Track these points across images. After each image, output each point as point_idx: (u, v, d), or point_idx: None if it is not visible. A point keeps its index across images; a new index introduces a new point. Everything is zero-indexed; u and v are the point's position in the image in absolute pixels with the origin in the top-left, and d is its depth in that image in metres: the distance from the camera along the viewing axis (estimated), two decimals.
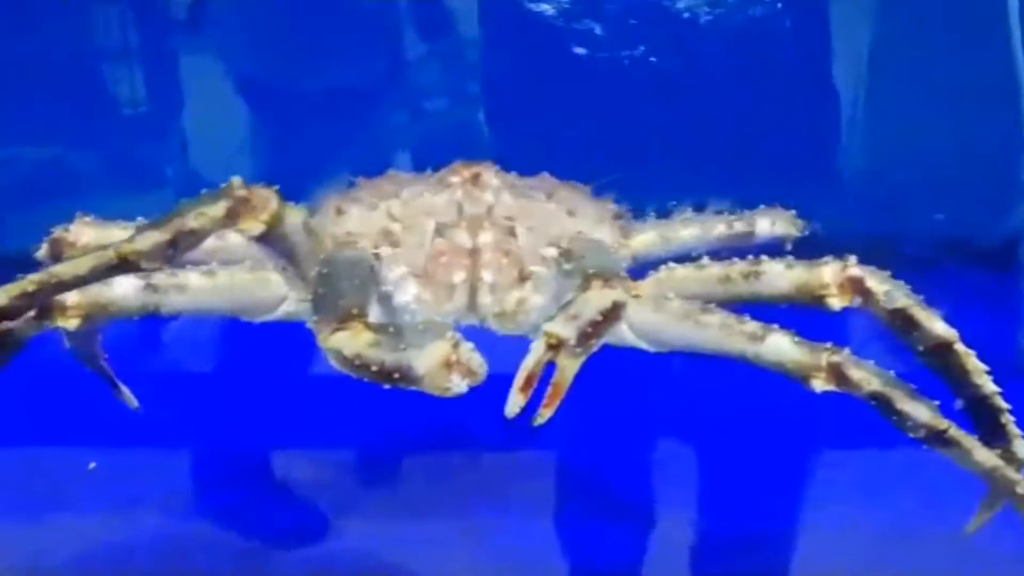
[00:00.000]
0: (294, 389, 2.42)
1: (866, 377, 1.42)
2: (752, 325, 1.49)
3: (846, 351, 1.44)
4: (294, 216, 1.49)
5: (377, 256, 1.54)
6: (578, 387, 2.23)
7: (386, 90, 2.68)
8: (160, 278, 1.58)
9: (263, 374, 2.44)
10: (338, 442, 2.21)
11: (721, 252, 1.77)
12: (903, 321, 1.58)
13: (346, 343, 1.34)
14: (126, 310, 1.59)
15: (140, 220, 1.51)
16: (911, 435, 1.42)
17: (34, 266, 1.53)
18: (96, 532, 1.95)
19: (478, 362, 1.37)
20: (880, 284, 1.58)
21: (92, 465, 2.14)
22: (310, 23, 2.60)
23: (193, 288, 1.60)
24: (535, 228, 1.62)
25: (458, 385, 1.35)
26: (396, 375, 1.33)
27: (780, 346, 1.47)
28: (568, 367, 1.35)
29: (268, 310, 1.67)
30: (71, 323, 1.56)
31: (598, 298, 1.37)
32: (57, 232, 1.79)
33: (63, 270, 1.39)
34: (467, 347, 1.35)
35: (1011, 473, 1.48)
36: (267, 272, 1.64)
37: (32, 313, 1.54)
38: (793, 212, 1.93)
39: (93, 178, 2.76)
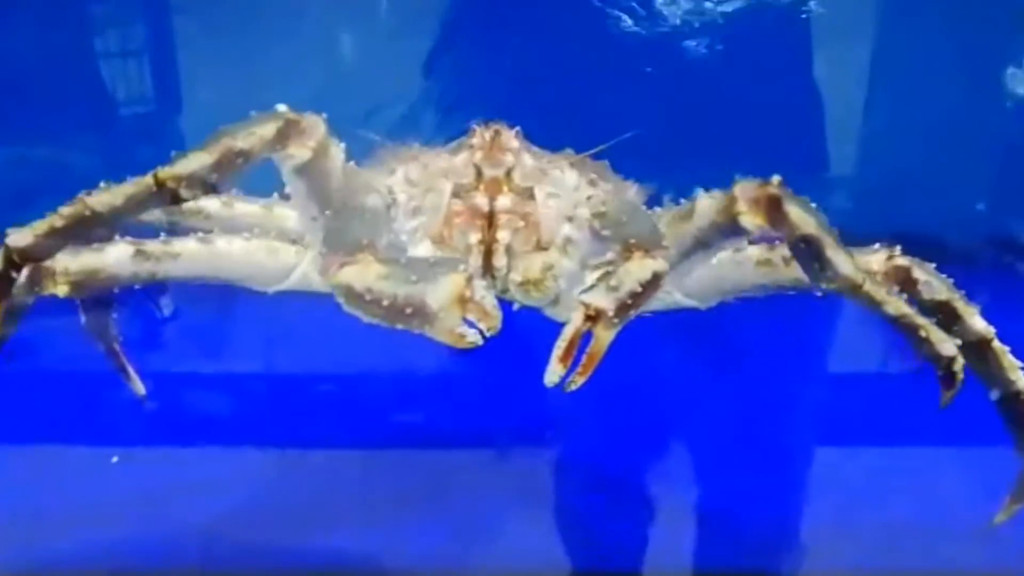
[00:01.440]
0: (296, 389, 2.35)
1: (805, 219, 1.34)
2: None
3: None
4: (338, 153, 1.43)
5: (394, 201, 1.47)
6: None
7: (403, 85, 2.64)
8: (153, 246, 1.52)
9: (265, 374, 2.38)
10: (338, 443, 2.15)
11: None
12: (944, 314, 1.55)
13: (356, 277, 1.26)
14: (118, 277, 1.52)
15: None
16: (824, 285, 1.36)
17: None
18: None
19: (492, 303, 1.30)
20: (925, 275, 1.56)
21: (115, 458, 2.10)
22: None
23: (189, 255, 1.54)
24: (556, 194, 1.54)
25: (473, 335, 1.29)
26: (408, 310, 1.25)
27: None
28: (604, 337, 1.34)
29: (277, 280, 1.60)
30: (61, 290, 1.49)
31: (639, 269, 1.35)
32: None
33: (97, 200, 1.30)
34: (481, 284, 1.29)
35: (919, 319, 1.42)
36: (274, 241, 1.58)
37: (23, 279, 1.46)
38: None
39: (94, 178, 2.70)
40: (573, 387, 1.36)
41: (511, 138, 1.53)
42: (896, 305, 1.40)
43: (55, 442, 2.11)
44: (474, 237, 1.49)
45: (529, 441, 2.17)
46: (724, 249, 1.56)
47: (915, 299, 1.54)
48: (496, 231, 1.50)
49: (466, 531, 1.86)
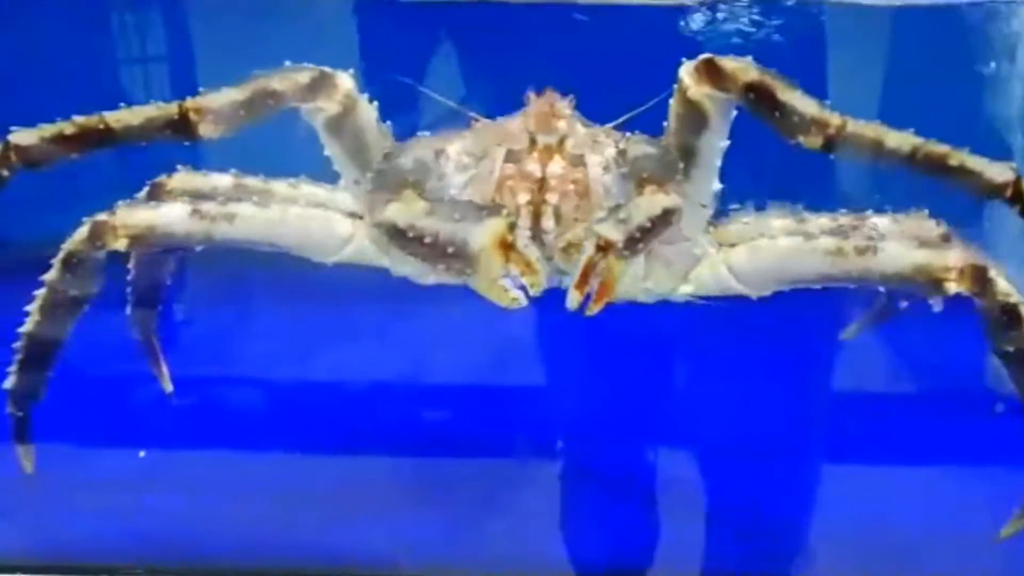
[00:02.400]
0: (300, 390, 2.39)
1: (742, 68, 1.33)
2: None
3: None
4: (369, 111, 1.48)
5: (445, 155, 1.51)
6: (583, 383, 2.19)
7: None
8: (209, 206, 1.56)
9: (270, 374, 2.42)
10: (343, 446, 2.17)
11: None
12: (1009, 317, 1.51)
13: (399, 213, 1.30)
14: (174, 235, 1.57)
15: None
16: (798, 138, 1.32)
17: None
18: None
19: (535, 255, 1.32)
20: (999, 276, 1.52)
21: (142, 453, 2.13)
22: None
23: (244, 217, 1.58)
24: (605, 163, 1.55)
25: (517, 293, 1.31)
26: (450, 249, 1.28)
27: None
28: (614, 267, 1.36)
29: (333, 250, 1.63)
30: (120, 243, 1.54)
31: (648, 204, 1.37)
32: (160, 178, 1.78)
33: (115, 118, 1.35)
34: (524, 234, 1.31)
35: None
36: (328, 212, 1.62)
37: (84, 232, 1.53)
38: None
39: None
40: (590, 313, 1.40)
41: (564, 106, 1.56)
42: None
43: (84, 440, 2.15)
44: (523, 198, 1.51)
45: (541, 445, 2.18)
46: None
47: (985, 300, 1.50)
48: (545, 193, 1.52)
49: (478, 532, 1.87)
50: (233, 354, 2.49)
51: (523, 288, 1.36)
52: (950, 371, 2.27)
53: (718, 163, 1.51)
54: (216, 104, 1.33)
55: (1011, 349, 1.54)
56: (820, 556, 1.84)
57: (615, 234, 1.35)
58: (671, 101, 1.46)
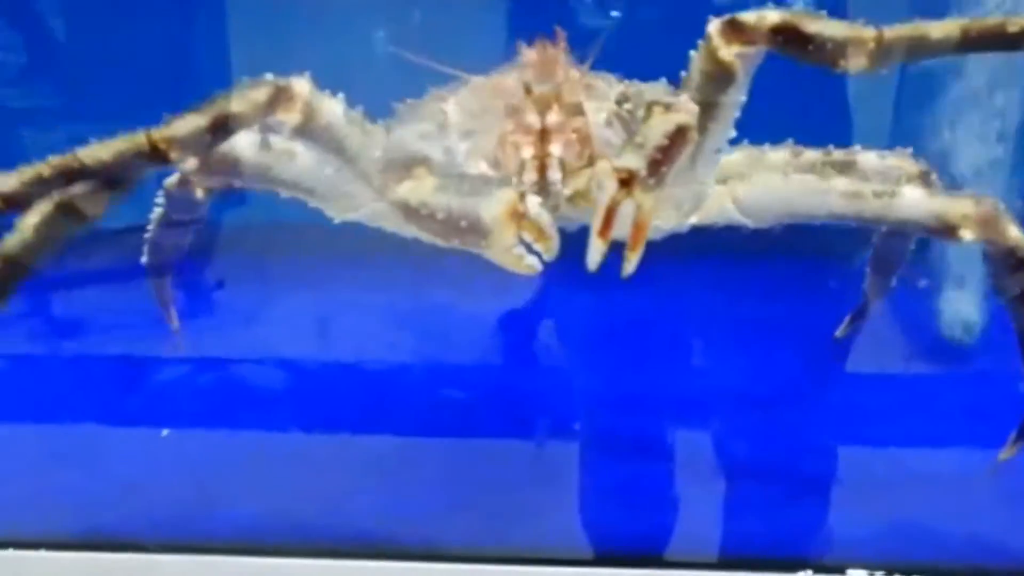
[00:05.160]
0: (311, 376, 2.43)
1: (761, 15, 1.34)
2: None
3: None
4: (333, 107, 1.50)
5: (447, 121, 1.52)
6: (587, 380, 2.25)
7: None
8: (277, 140, 1.60)
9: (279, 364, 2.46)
10: (355, 428, 2.19)
11: None
12: (1018, 261, 1.55)
13: (411, 192, 1.33)
14: (242, 164, 1.61)
15: None
16: (840, 65, 1.31)
17: None
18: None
19: (547, 221, 1.33)
20: (1010, 224, 1.54)
21: (165, 432, 2.16)
22: None
23: (301, 158, 1.62)
24: (602, 108, 1.57)
25: (532, 260, 1.32)
26: (463, 223, 1.30)
27: None
28: (645, 202, 1.28)
29: (351, 208, 1.66)
30: (191, 164, 1.49)
31: (661, 123, 1.33)
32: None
33: (87, 154, 1.36)
34: (535, 201, 1.32)
35: None
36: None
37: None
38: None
39: None
40: (629, 267, 1.32)
41: (557, 53, 1.56)
42: None
43: (104, 420, 2.20)
44: (527, 152, 1.53)
45: (562, 427, 2.21)
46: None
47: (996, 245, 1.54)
48: (548, 145, 1.53)
49: (500, 515, 1.88)
50: (250, 333, 2.54)
51: (537, 254, 1.34)
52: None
53: (737, 114, 1.52)
54: (181, 132, 1.33)
55: (1017, 291, 1.60)
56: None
57: (635, 162, 1.28)
58: (695, 57, 1.45)
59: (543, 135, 1.54)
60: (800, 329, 2.38)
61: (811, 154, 1.72)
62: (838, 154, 1.69)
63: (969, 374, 2.31)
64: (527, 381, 2.34)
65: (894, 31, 1.30)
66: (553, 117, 1.54)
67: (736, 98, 1.49)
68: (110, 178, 1.38)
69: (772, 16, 1.33)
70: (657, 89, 1.52)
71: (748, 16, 1.34)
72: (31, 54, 2.79)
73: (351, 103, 1.57)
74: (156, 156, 1.33)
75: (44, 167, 1.36)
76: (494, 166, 1.56)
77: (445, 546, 1.77)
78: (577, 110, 1.55)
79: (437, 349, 2.41)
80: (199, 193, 1.82)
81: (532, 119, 1.54)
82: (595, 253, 1.29)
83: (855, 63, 1.31)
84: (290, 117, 1.43)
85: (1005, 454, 1.80)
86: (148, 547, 1.75)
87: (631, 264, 1.32)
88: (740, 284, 2.43)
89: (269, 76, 1.43)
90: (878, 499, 1.88)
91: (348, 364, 2.43)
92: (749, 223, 1.67)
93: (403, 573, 1.71)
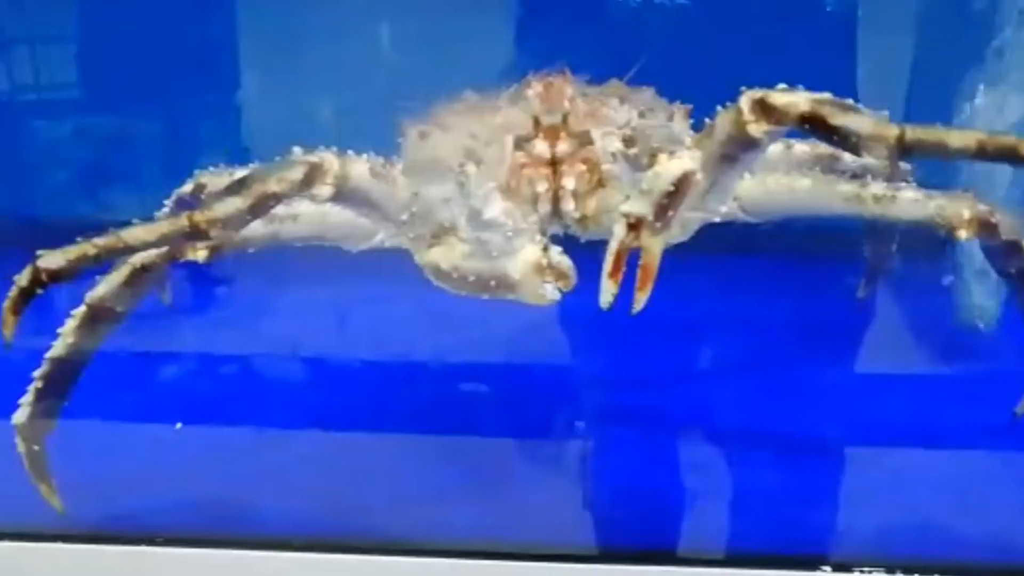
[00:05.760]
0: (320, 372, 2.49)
1: (793, 101, 1.38)
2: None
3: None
4: (359, 167, 1.56)
5: (463, 173, 1.59)
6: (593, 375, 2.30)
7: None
8: (279, 209, 1.61)
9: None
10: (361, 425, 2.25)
11: None
12: (1013, 249, 1.67)
13: (442, 257, 1.42)
14: (249, 240, 1.66)
15: None
16: (861, 155, 1.37)
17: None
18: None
19: (568, 265, 1.43)
20: (1004, 221, 1.62)
21: (178, 425, 2.21)
22: None
23: (305, 216, 1.70)
24: (611, 133, 1.64)
25: (551, 292, 1.42)
26: (493, 283, 1.40)
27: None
28: (652, 246, 1.40)
29: (365, 239, 1.74)
30: (200, 255, 1.62)
31: (666, 170, 1.41)
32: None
33: (130, 234, 1.42)
34: (556, 250, 1.42)
35: None
36: None
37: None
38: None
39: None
40: (638, 307, 1.42)
41: (564, 84, 1.62)
42: None
43: (121, 414, 2.24)
44: (541, 187, 1.60)
45: (568, 422, 2.28)
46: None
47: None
48: (561, 178, 1.61)
49: (510, 511, 1.94)
50: (263, 328, 2.60)
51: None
52: None
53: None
54: (223, 214, 1.39)
55: (1013, 270, 1.72)
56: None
57: (642, 207, 1.38)
58: (722, 119, 1.49)
59: (553, 164, 1.62)
60: (813, 324, 2.46)
61: (801, 147, 1.81)
62: (824, 148, 1.77)
63: (986, 370, 2.35)
64: (531, 377, 2.42)
65: (915, 133, 1.34)
66: (563, 147, 1.61)
67: (757, 155, 1.56)
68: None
69: (802, 104, 1.36)
70: (660, 126, 1.58)
71: (779, 99, 1.38)
72: (41, 48, 2.81)
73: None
74: (197, 236, 1.40)
75: (89, 247, 1.42)
76: (507, 192, 1.61)
77: (451, 540, 1.83)
78: (585, 139, 1.63)
79: (443, 345, 2.48)
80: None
81: (542, 149, 1.62)
82: (607, 294, 1.42)
83: (875, 154, 1.36)
84: (323, 190, 1.49)
85: (1022, 408, 1.92)
86: (156, 540, 1.80)
87: (640, 303, 1.43)
88: (746, 279, 2.51)
89: (298, 150, 1.48)
90: (894, 496, 1.96)
91: (355, 358, 2.50)
92: (750, 219, 1.76)
93: (411, 568, 1.77)
